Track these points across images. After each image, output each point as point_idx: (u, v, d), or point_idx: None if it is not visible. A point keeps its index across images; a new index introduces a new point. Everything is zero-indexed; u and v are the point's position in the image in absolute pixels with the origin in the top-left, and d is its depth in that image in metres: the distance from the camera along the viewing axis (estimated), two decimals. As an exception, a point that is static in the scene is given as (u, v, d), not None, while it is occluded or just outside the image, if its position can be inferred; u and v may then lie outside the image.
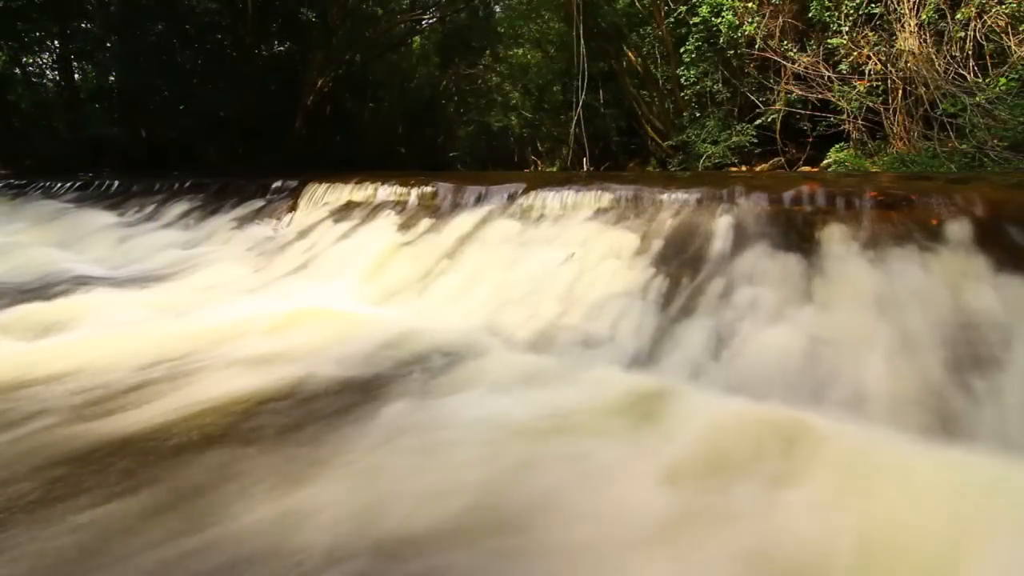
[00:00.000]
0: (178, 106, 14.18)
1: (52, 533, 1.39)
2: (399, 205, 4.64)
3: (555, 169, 16.73)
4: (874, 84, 6.66)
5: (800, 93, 7.26)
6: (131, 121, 14.00)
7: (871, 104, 6.63)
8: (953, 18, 5.98)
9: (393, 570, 1.30)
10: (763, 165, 8.64)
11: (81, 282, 4.13)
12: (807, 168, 7.91)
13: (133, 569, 1.30)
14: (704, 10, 8.41)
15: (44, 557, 1.32)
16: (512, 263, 3.31)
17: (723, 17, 7.95)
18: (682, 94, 9.96)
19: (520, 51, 17.71)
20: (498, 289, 3.16)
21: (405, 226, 4.26)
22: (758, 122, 8.20)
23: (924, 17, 6.12)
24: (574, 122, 10.45)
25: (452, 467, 1.67)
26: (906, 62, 6.27)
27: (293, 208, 5.59)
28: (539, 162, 19.56)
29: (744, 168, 8.68)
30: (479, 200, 4.15)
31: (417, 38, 18.84)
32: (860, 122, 6.76)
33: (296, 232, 4.98)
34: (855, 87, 6.74)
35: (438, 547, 1.36)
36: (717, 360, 2.27)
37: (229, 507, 1.49)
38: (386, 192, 4.88)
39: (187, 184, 7.36)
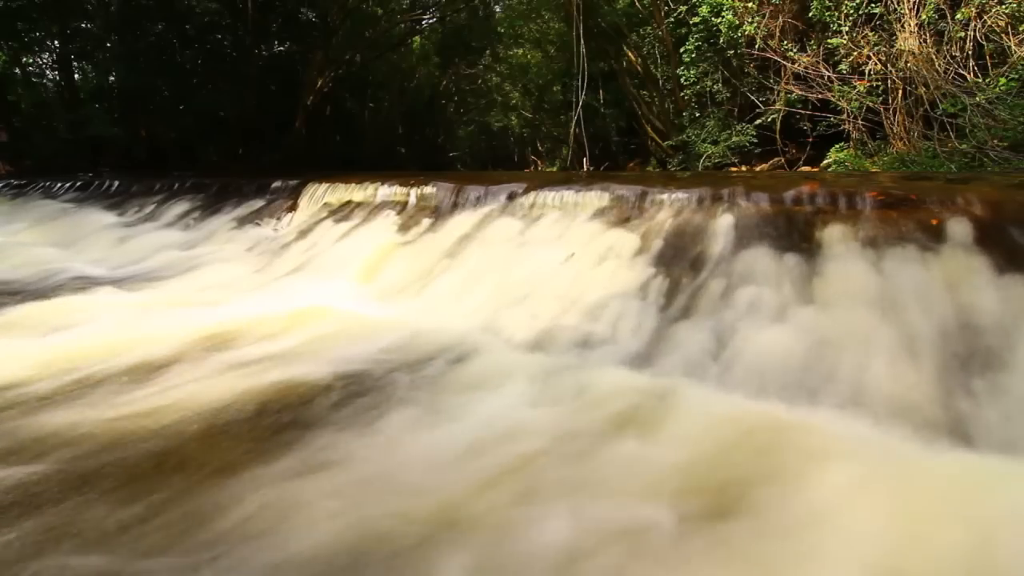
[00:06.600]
0: (178, 106, 14.21)
1: (41, 526, 1.40)
2: (399, 205, 4.64)
3: (555, 169, 16.74)
4: (874, 84, 6.65)
5: (800, 93, 7.26)
6: (131, 121, 14.02)
7: (871, 104, 6.62)
8: (953, 18, 5.97)
9: (379, 565, 1.30)
10: (763, 165, 8.64)
11: (81, 282, 4.14)
12: (807, 168, 7.91)
13: (131, 565, 1.30)
14: (704, 10, 8.41)
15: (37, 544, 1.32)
16: (512, 263, 3.31)
17: (723, 17, 7.95)
18: (682, 94, 9.96)
19: (520, 51, 17.73)
20: (498, 289, 3.16)
21: (405, 226, 4.27)
22: (758, 122, 8.20)
23: (924, 17, 6.11)
24: (574, 122, 10.44)
25: (453, 466, 1.67)
26: (906, 62, 6.26)
27: (293, 208, 5.59)
28: (539, 162, 19.58)
29: (744, 168, 8.67)
30: (479, 200, 4.15)
31: (417, 38, 18.85)
32: (860, 122, 6.75)
33: (296, 232, 4.98)
34: (855, 87, 6.73)
35: (434, 549, 1.36)
36: (717, 360, 2.26)
37: (226, 506, 1.49)
38: (386, 192, 4.88)
39: (187, 184, 7.36)
